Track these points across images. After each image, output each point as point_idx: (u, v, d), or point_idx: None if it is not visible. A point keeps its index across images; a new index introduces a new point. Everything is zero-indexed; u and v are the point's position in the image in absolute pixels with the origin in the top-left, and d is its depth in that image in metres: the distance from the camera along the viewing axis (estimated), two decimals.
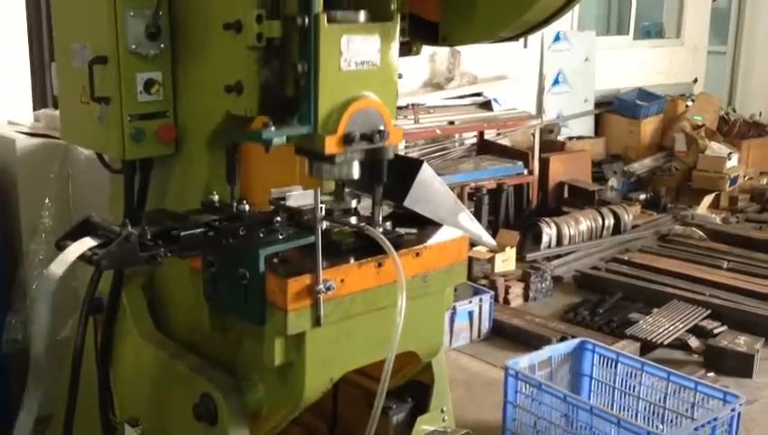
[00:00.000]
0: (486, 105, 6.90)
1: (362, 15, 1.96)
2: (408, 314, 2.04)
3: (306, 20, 1.85)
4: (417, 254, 2.07)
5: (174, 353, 2.17)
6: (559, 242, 6.02)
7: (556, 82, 8.06)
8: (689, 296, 4.98)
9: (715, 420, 2.91)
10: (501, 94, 7.20)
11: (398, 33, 2.02)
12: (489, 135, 7.03)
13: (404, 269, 1.96)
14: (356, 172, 2.03)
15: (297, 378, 1.95)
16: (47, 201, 3.43)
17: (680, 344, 4.44)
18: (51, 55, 6.96)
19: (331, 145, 1.90)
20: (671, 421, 3.22)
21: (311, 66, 1.87)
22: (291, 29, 1.89)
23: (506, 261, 5.36)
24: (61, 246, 1.79)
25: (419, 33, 2.25)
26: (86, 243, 1.75)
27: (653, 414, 3.29)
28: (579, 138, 7.98)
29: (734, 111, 9.60)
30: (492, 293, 4.66)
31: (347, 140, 1.91)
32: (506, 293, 5.04)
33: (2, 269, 3.35)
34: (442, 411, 2.37)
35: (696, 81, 9.71)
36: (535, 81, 7.96)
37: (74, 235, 1.79)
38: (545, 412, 3.13)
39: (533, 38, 7.57)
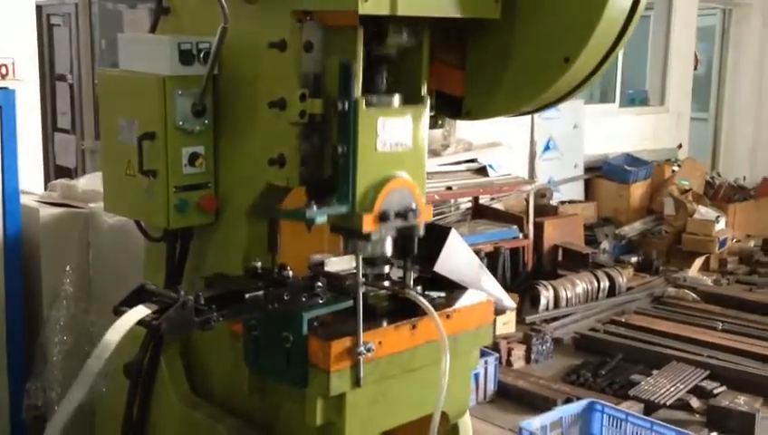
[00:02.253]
0: (482, 171, 7.08)
1: (396, 100, 2.10)
2: (438, 375, 2.15)
3: (346, 104, 1.98)
4: (448, 316, 2.17)
5: (212, 416, 2.24)
6: (556, 304, 6.12)
7: (547, 148, 8.29)
8: (688, 357, 5.09)
9: None
10: (494, 160, 7.40)
11: (428, 114, 2.16)
12: (483, 200, 7.20)
13: (435, 332, 2.07)
14: (389, 250, 2.14)
15: None
16: (68, 268, 3.52)
17: (682, 405, 4.53)
18: (53, 129, 7.14)
19: (368, 223, 2.01)
20: None
21: (349, 147, 2.00)
22: (330, 109, 2.02)
23: (507, 323, 5.46)
24: (118, 313, 1.88)
25: (444, 107, 2.39)
26: (142, 310, 1.84)
27: None
28: (570, 202, 8.17)
29: (719, 175, 9.86)
30: (496, 355, 4.74)
31: (382, 218, 2.03)
32: (509, 355, 5.12)
33: (23, 335, 3.40)
34: None
35: (680, 146, 9.99)
36: (527, 147, 8.19)
37: (130, 301, 1.88)
38: None
39: None
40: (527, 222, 6.85)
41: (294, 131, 2.04)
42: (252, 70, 2.14)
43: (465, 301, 2.26)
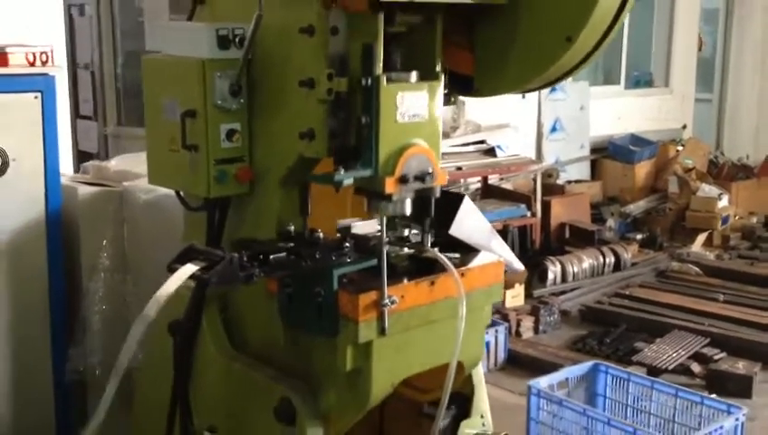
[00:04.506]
0: (490, 152, 7.29)
1: (414, 76, 2.32)
2: (454, 328, 2.38)
3: (369, 81, 2.21)
4: (463, 274, 2.39)
5: (250, 366, 2.49)
6: (563, 279, 6.36)
7: (553, 129, 8.50)
8: (689, 326, 5.32)
9: (721, 428, 3.22)
10: (503, 141, 7.62)
11: (442, 88, 2.39)
12: (491, 180, 7.42)
13: (451, 288, 2.31)
14: (408, 209, 2.37)
15: (365, 382, 2.26)
16: (104, 243, 3.75)
17: (683, 370, 4.77)
18: (76, 115, 7.38)
19: (389, 185, 2.23)
20: None
21: (372, 119, 2.21)
22: (355, 86, 2.25)
23: (516, 297, 5.70)
24: (171, 269, 2.11)
25: (455, 85, 2.61)
26: (193, 266, 2.08)
27: (663, 429, 3.58)
28: (577, 181, 8.38)
29: (723, 154, 10.05)
30: (506, 325, 4.98)
31: (403, 180, 2.25)
32: (518, 326, 5.36)
33: (65, 306, 3.64)
34: (482, 417, 2.68)
35: (684, 127, 10.18)
36: (534, 128, 8.40)
37: (181, 259, 2.12)
38: (566, 427, 3.43)
39: None
40: (535, 201, 7.08)
41: (322, 108, 2.26)
42: (283, 53, 2.36)
43: (477, 261, 2.49)
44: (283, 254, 2.19)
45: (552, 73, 2.45)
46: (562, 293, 6.19)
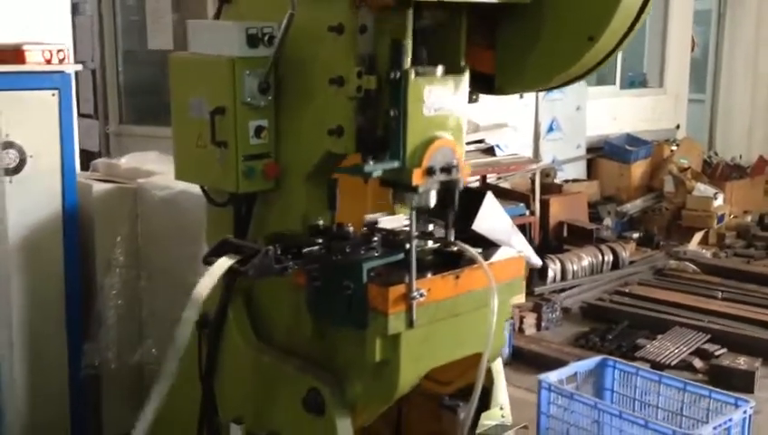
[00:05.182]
0: (489, 151, 7.35)
1: (440, 70, 2.37)
2: (478, 320, 2.44)
3: (398, 74, 2.25)
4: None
5: (277, 358, 2.53)
6: (563, 277, 6.42)
7: (550, 129, 8.56)
8: (690, 323, 5.40)
9: (730, 420, 3.28)
10: (501, 141, 7.67)
11: (467, 83, 2.44)
12: (490, 179, 7.47)
13: (475, 282, 2.36)
14: (433, 201, 2.41)
15: (392, 373, 2.31)
16: (119, 239, 3.79)
17: (685, 365, 4.85)
18: (77, 114, 7.36)
19: (416, 177, 2.28)
20: (688, 428, 3.58)
21: (400, 111, 2.26)
22: (383, 82, 2.29)
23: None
24: (208, 262, 2.15)
25: (476, 84, 2.66)
26: (229, 259, 2.12)
27: (671, 422, 3.65)
28: (574, 181, 8.46)
29: (716, 154, 10.16)
30: (510, 321, 5.03)
31: (429, 172, 2.30)
32: (521, 322, 5.42)
33: (80, 301, 3.68)
34: (501, 408, 2.73)
35: (678, 127, 10.28)
36: (531, 128, 8.46)
37: (217, 252, 2.16)
38: (577, 420, 3.49)
39: None
40: (533, 200, 7.15)
41: (351, 105, 2.31)
42: (311, 51, 2.41)
43: (499, 256, 2.54)
44: (315, 247, 2.23)
45: (573, 72, 2.51)
46: (562, 290, 6.26)
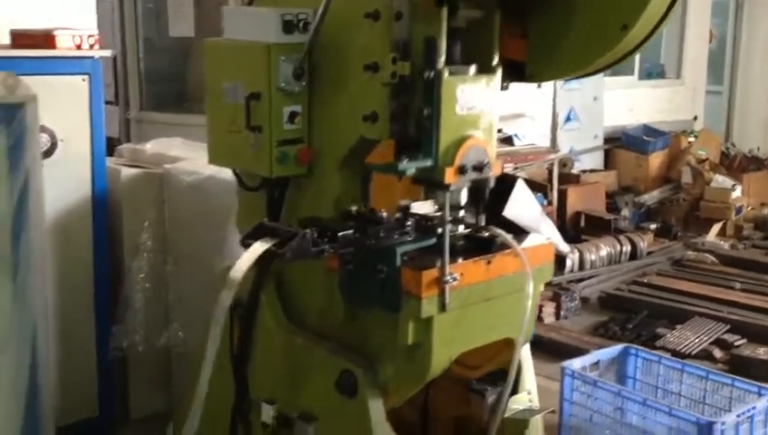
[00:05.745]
0: (507, 141, 7.36)
1: (473, 69, 2.39)
2: (508, 305, 2.47)
3: (431, 74, 2.27)
4: (517, 254, 2.47)
5: (310, 340, 2.57)
6: (581, 267, 6.44)
7: (568, 119, 8.56)
8: (709, 313, 5.41)
9: (753, 408, 3.30)
10: (519, 131, 7.68)
11: (499, 82, 2.46)
12: (507, 169, 7.48)
13: (506, 267, 2.39)
14: (464, 199, 2.45)
15: (424, 356, 2.34)
16: (146, 224, 3.84)
17: (705, 355, 4.86)
18: None
19: (449, 175, 2.31)
20: (711, 416, 3.59)
21: (434, 110, 2.29)
22: (416, 73, 2.31)
23: None
24: (245, 245, 2.19)
25: (507, 72, 2.68)
26: (266, 242, 2.15)
27: (694, 410, 3.66)
28: (591, 171, 8.46)
29: (734, 145, 10.12)
30: None
31: (461, 170, 2.33)
32: (540, 311, 5.44)
33: (109, 285, 3.72)
34: (528, 393, 2.76)
35: (696, 118, 10.25)
36: (548, 118, 8.45)
37: (254, 236, 2.19)
38: (600, 407, 3.51)
39: None
40: (551, 190, 7.16)
41: (385, 91, 2.33)
42: (347, 37, 2.43)
43: (529, 242, 2.56)
44: (350, 231, 2.26)
45: (605, 60, 2.52)
46: (580, 280, 6.27)
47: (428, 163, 2.30)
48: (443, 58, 2.28)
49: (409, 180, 2.54)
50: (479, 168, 2.37)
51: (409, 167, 2.27)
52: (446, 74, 2.27)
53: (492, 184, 2.46)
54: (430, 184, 2.39)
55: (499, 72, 2.45)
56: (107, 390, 3.72)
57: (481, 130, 2.40)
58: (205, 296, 3.58)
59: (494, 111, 2.45)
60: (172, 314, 3.85)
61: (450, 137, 2.31)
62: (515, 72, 2.64)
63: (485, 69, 2.42)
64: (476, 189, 2.48)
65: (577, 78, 2.68)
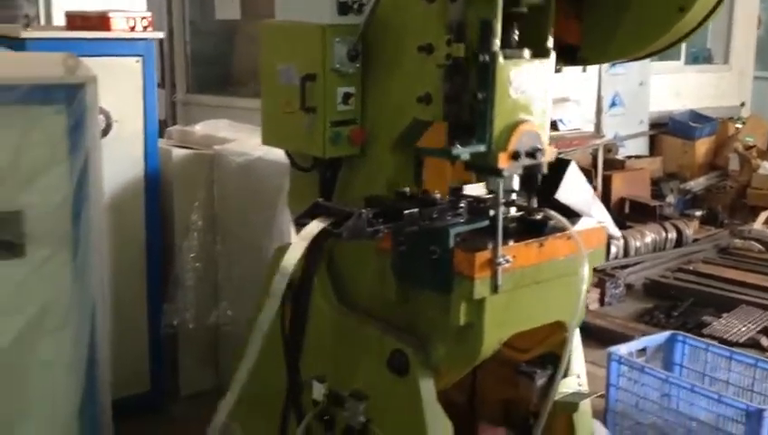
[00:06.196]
0: (552, 125, 7.29)
1: (527, 53, 2.37)
2: (559, 288, 2.47)
3: (486, 57, 2.27)
4: (569, 238, 2.47)
5: (361, 320, 2.59)
6: (626, 253, 6.39)
7: (613, 104, 8.46)
8: (756, 302, 5.34)
9: None
10: (563, 115, 7.62)
11: (554, 67, 2.44)
12: None
13: (558, 250, 2.39)
14: (516, 185, 2.44)
15: (476, 337, 2.34)
16: (196, 204, 3.90)
17: (753, 344, 4.80)
18: None
19: (502, 160, 2.29)
20: (759, 404, 3.56)
21: (488, 94, 2.27)
22: (470, 54, 2.30)
23: None
24: (300, 224, 2.22)
25: (560, 54, 2.66)
26: (319, 223, 2.18)
27: (742, 398, 3.63)
28: (636, 157, 8.37)
29: None
30: None
31: (514, 156, 2.31)
32: None
33: (161, 264, 3.79)
34: (578, 377, 2.76)
35: (743, 104, 10.07)
36: (593, 103, 8.37)
37: (309, 215, 2.22)
38: (647, 393, 3.50)
39: None
40: (595, 175, 7.09)
41: (439, 73, 2.33)
42: (401, 18, 2.44)
43: (582, 225, 2.55)
44: (408, 211, 2.27)
45: (661, 42, 2.50)
46: (624, 267, 6.22)
47: (482, 148, 2.29)
48: (498, 41, 2.27)
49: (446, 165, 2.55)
50: (532, 153, 2.35)
51: (463, 152, 2.26)
52: (500, 58, 2.26)
53: (544, 170, 2.44)
54: (483, 170, 2.38)
55: (553, 56, 2.44)
56: (158, 366, 3.80)
57: (535, 114, 2.39)
58: (253, 276, 3.66)
59: (548, 96, 2.44)
60: (221, 293, 3.92)
61: (504, 121, 2.30)
62: (568, 55, 2.63)
63: (540, 52, 2.41)
64: (529, 178, 2.46)
65: (631, 61, 2.65)
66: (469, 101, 2.32)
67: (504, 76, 2.28)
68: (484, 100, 2.27)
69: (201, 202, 3.90)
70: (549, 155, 2.44)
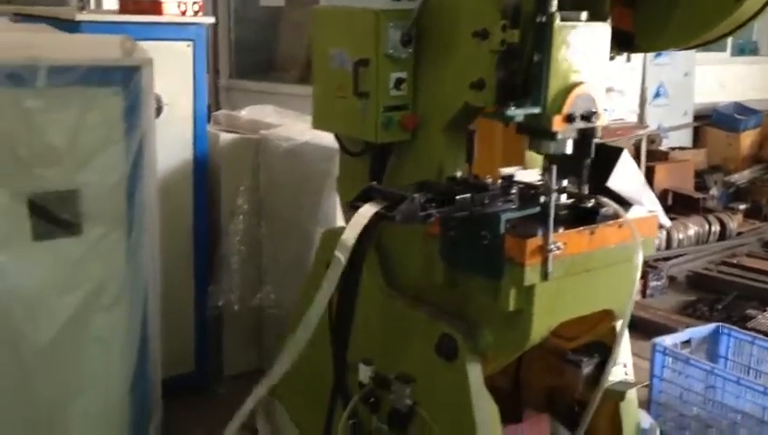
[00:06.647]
0: None
1: (584, 15, 2.34)
2: (609, 277, 2.46)
3: (543, 18, 2.25)
4: (620, 226, 2.46)
5: (409, 304, 2.61)
6: (668, 245, 6.33)
7: (657, 94, 8.37)
8: None
9: None
10: (607, 105, 7.54)
11: (609, 31, 2.41)
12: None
13: (609, 238, 2.38)
14: (569, 149, 2.39)
15: (525, 324, 2.35)
16: (242, 188, 3.94)
17: None
18: None
19: (557, 123, 2.26)
20: None
21: (544, 56, 2.24)
22: (527, 32, 2.29)
23: None
24: (354, 207, 2.24)
25: (614, 42, 2.64)
26: (375, 205, 2.20)
27: None
28: (680, 148, 8.27)
29: None
30: None
31: (569, 119, 2.28)
32: None
33: (207, 246, 3.85)
34: (624, 366, 2.76)
35: None
36: (637, 93, 8.28)
37: (363, 198, 2.24)
38: (691, 384, 3.47)
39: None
40: (639, 166, 7.02)
41: (493, 58, 2.33)
42: (455, 3, 2.43)
43: (634, 214, 2.54)
44: (462, 196, 2.27)
45: (716, 32, 2.47)
46: (667, 259, 6.16)
47: (536, 110, 2.26)
48: (555, 2, 2.24)
49: (509, 147, 2.55)
50: (587, 116, 2.31)
51: (517, 113, 2.23)
52: (557, 19, 2.24)
53: (598, 135, 2.41)
54: (536, 132, 2.35)
55: (609, 20, 2.39)
56: (203, 346, 3.86)
57: (591, 77, 2.36)
58: (297, 260, 3.70)
59: (604, 59, 2.40)
60: (265, 277, 3.96)
61: (559, 84, 2.26)
62: (623, 43, 2.61)
63: (598, 16, 2.36)
64: (582, 146, 2.41)
65: (681, 50, 2.62)
66: (524, 67, 2.29)
67: (560, 38, 2.24)
68: (539, 61, 2.25)
69: (247, 186, 3.94)
70: (603, 119, 2.41)
